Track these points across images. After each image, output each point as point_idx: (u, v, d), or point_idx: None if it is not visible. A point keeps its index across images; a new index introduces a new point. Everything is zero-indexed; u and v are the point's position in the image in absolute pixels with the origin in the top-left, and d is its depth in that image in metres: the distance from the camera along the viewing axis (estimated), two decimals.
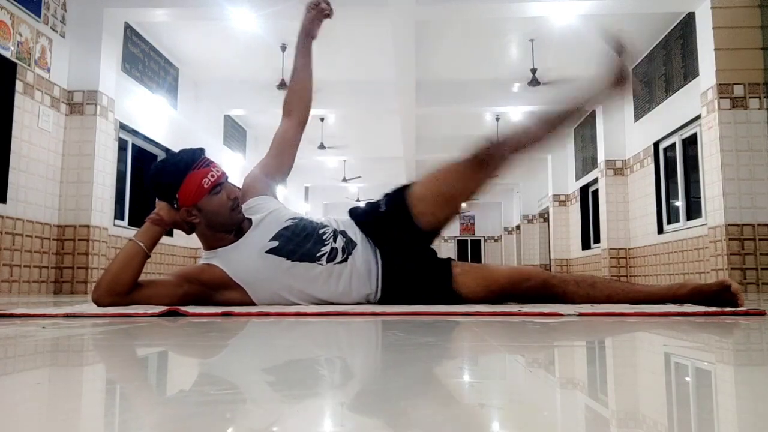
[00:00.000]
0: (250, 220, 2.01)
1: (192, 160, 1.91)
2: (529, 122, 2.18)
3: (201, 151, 1.95)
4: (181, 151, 1.97)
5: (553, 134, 2.10)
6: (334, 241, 1.97)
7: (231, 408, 0.52)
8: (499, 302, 1.94)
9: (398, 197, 2.05)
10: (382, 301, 1.97)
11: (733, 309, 1.69)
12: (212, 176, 1.90)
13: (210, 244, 1.98)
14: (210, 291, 1.92)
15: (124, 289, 1.83)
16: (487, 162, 2.03)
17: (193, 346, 1.05)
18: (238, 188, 2.04)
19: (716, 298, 1.77)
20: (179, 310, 1.64)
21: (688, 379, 0.71)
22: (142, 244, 1.87)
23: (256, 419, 0.48)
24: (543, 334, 1.21)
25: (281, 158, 2.19)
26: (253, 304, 1.92)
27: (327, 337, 1.17)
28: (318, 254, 1.93)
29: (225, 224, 1.94)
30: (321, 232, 1.98)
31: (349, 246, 1.97)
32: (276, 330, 1.28)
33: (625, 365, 0.83)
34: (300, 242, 1.94)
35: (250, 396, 0.57)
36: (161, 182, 1.92)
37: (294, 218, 2.03)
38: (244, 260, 1.92)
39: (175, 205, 1.90)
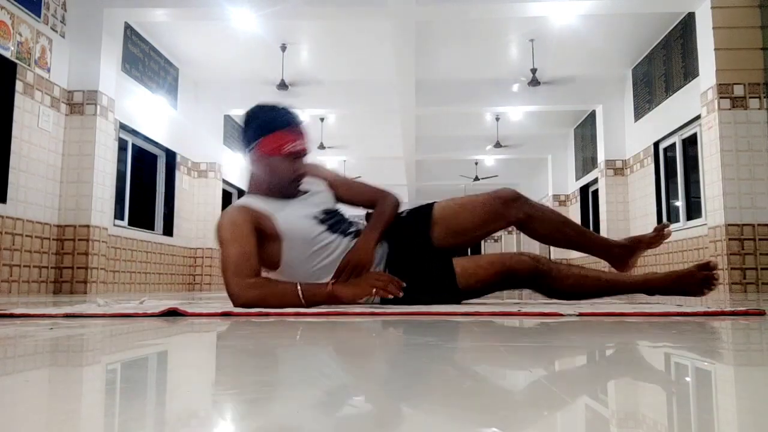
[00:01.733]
0: (306, 192, 2.14)
1: (291, 121, 2.04)
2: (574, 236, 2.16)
3: (301, 120, 2.08)
4: (287, 108, 2.08)
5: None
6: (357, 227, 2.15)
7: (231, 408, 0.52)
8: (489, 291, 2.06)
9: (424, 211, 2.16)
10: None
11: (733, 310, 1.69)
12: (296, 146, 2.01)
13: (262, 191, 2.07)
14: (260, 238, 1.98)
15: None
16: (510, 220, 2.10)
17: (193, 346, 1.05)
18: (314, 168, 2.20)
19: (692, 280, 1.90)
20: (179, 310, 1.64)
21: (688, 379, 0.71)
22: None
23: (256, 419, 0.48)
24: (543, 334, 1.21)
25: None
26: (275, 265, 2.02)
27: (327, 337, 1.17)
28: (345, 231, 2.08)
29: (280, 189, 2.05)
30: (349, 218, 2.18)
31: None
32: (276, 330, 1.28)
33: (625, 365, 0.83)
34: (336, 219, 2.11)
35: (249, 396, 0.57)
36: (259, 118, 2.04)
37: (336, 206, 2.21)
38: (293, 217, 2.01)
39: (250, 147, 2.02)
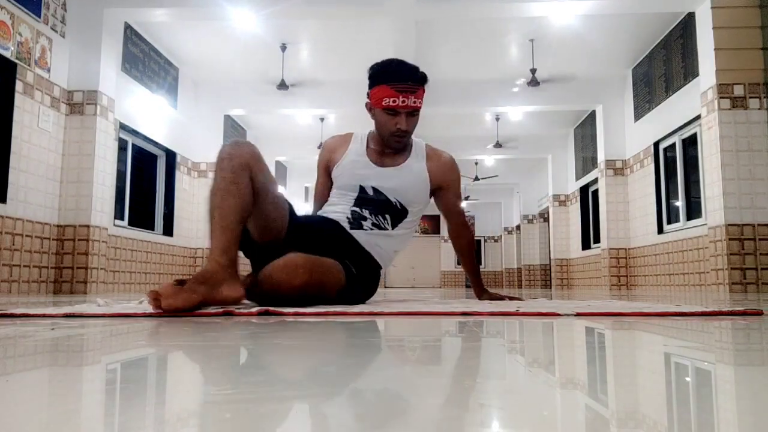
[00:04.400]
0: (402, 164, 2.27)
1: (397, 77, 2.13)
2: None
3: (416, 78, 2.15)
4: (403, 63, 2.19)
5: None
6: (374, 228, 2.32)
7: (230, 408, 0.52)
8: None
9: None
10: None
11: (731, 309, 1.69)
12: (393, 101, 2.12)
13: (375, 134, 2.29)
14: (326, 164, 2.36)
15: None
16: None
17: (193, 346, 1.05)
18: (443, 164, 2.33)
19: None
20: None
21: (688, 379, 0.71)
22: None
23: (255, 419, 0.48)
24: (542, 334, 1.21)
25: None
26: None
27: (326, 337, 1.17)
28: (359, 220, 2.23)
29: (382, 138, 2.24)
30: (382, 219, 2.33)
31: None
32: (275, 330, 1.28)
33: (625, 365, 0.83)
34: (372, 206, 2.24)
35: (248, 396, 0.57)
36: (373, 70, 2.20)
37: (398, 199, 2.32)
38: (351, 173, 2.24)
39: (367, 96, 2.22)
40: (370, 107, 2.22)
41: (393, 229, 2.22)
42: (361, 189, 2.21)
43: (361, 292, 2.15)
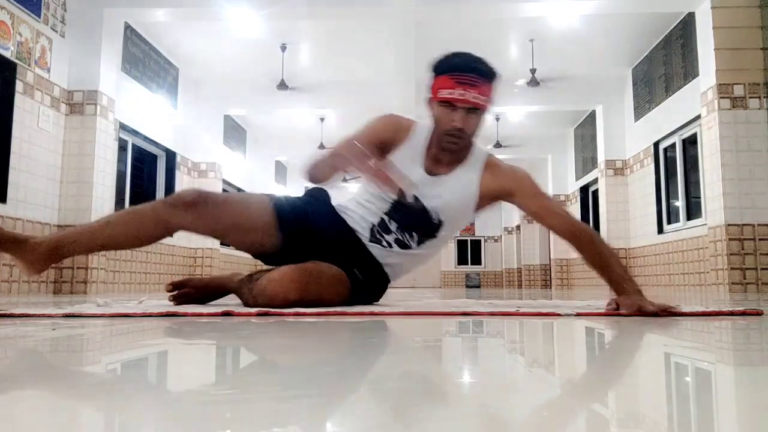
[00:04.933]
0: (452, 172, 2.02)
1: (460, 68, 1.88)
2: None
3: (479, 71, 1.90)
4: (470, 55, 1.94)
5: None
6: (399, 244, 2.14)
7: (231, 408, 0.52)
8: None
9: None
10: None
11: (730, 310, 1.69)
12: (449, 93, 1.87)
13: (432, 130, 2.00)
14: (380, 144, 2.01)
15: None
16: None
17: (193, 346, 1.05)
18: (504, 172, 2.04)
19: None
20: (178, 313, 1.64)
21: (688, 379, 0.71)
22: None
23: (255, 419, 0.48)
24: (542, 334, 1.21)
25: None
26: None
27: (326, 337, 1.17)
28: (381, 231, 2.05)
29: (437, 137, 1.97)
30: (410, 234, 2.11)
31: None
32: (275, 330, 1.28)
33: (625, 365, 0.83)
34: (405, 219, 2.02)
35: (249, 396, 0.57)
36: (436, 59, 1.95)
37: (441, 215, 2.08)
38: (401, 168, 1.91)
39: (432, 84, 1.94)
40: (429, 102, 1.96)
41: (417, 246, 2.03)
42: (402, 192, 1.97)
43: (367, 297, 2.07)
